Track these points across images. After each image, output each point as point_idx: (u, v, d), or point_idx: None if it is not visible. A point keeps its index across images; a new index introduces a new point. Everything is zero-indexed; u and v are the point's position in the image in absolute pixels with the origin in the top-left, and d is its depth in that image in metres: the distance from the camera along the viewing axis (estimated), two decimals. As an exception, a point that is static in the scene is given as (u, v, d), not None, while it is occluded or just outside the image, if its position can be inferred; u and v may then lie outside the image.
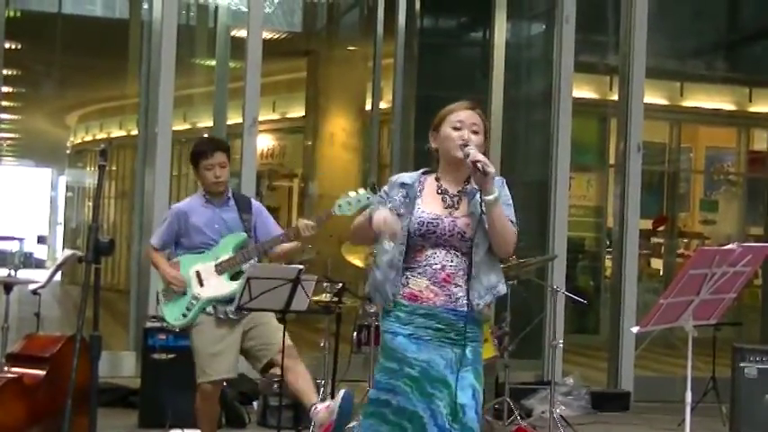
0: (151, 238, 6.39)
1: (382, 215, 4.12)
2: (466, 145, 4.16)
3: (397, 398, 4.09)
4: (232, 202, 6.22)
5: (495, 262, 4.21)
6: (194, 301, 6.04)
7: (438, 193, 4.24)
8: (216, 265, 6.05)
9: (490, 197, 4.07)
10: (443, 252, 4.15)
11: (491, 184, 4.06)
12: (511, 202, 4.24)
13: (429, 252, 4.15)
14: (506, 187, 4.25)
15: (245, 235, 6.12)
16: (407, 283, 4.17)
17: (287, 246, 6.17)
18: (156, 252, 6.23)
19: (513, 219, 4.21)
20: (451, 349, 4.12)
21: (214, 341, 6.01)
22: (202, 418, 6.14)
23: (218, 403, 6.33)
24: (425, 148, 4.37)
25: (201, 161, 6.11)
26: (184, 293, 6.07)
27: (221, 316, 6.03)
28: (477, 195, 4.13)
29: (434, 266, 4.14)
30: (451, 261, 4.15)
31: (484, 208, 4.10)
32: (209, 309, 6.04)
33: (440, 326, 4.12)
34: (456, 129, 4.19)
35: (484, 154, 4.15)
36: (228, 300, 5.98)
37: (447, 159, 4.25)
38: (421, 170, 4.35)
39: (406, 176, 4.31)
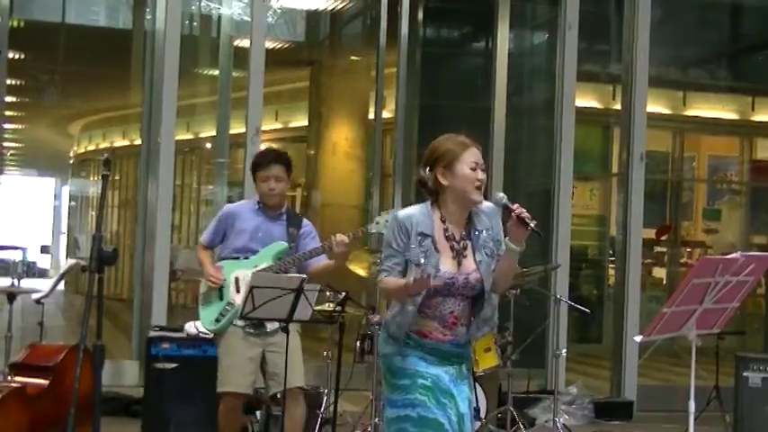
0: (202, 235, 6.48)
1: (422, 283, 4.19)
2: (479, 187, 4.29)
3: (417, 409, 4.25)
4: (284, 217, 6.26)
5: (493, 297, 4.43)
6: (228, 307, 6.09)
7: (446, 240, 4.32)
8: (253, 274, 5.99)
9: (519, 248, 4.25)
10: (452, 300, 4.34)
11: (525, 237, 4.22)
12: (503, 236, 4.37)
13: (439, 299, 4.33)
14: (499, 219, 4.40)
15: (285, 245, 6.14)
16: (416, 322, 4.34)
17: (323, 264, 6.15)
18: (203, 249, 6.34)
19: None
20: (451, 366, 4.36)
21: (236, 353, 6.03)
22: (223, 429, 6.13)
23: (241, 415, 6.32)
24: (420, 179, 4.37)
25: (258, 172, 6.21)
26: (221, 298, 6.11)
27: (249, 330, 6.04)
28: (484, 236, 4.33)
29: (444, 313, 4.33)
30: (459, 306, 4.34)
31: (502, 251, 4.31)
32: (239, 321, 6.03)
33: (443, 353, 4.36)
34: (473, 169, 4.28)
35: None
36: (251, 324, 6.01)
37: (460, 199, 4.32)
38: (426, 206, 4.37)
39: (422, 223, 4.31)
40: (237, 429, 6.30)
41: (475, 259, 4.32)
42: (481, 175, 4.28)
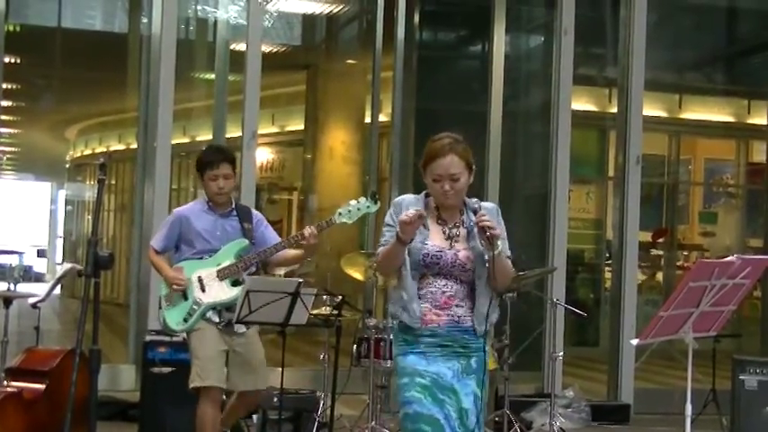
0: (152, 241, 6.43)
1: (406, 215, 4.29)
2: (444, 194, 4.41)
3: (413, 406, 4.36)
4: (235, 212, 6.28)
5: (490, 293, 4.47)
6: (196, 307, 6.10)
7: (438, 224, 4.49)
8: (218, 271, 6.12)
9: (495, 252, 4.34)
10: (443, 280, 4.44)
11: (496, 241, 4.32)
12: (505, 234, 4.49)
13: (430, 279, 4.44)
14: (501, 217, 4.53)
15: (246, 242, 6.19)
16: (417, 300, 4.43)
17: (289, 253, 6.23)
18: (156, 255, 6.31)
19: (509, 252, 4.52)
20: (458, 360, 4.43)
21: (212, 347, 6.06)
22: (204, 426, 6.08)
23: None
24: (419, 166, 4.55)
25: (207, 171, 6.17)
26: (185, 298, 6.12)
27: (221, 328, 6.09)
28: (475, 230, 4.40)
29: (434, 292, 4.43)
30: (450, 287, 4.44)
31: (487, 260, 4.37)
32: (210, 314, 6.11)
33: (445, 343, 4.42)
34: (436, 180, 4.41)
35: (471, 185, 4.46)
36: (229, 306, 6.06)
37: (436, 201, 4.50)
38: (423, 193, 4.54)
39: (413, 203, 4.48)
40: (217, 426, 6.25)
41: (468, 243, 4.44)
42: (447, 186, 4.39)
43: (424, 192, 4.55)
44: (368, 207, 5.95)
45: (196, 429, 6.08)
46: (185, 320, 6.11)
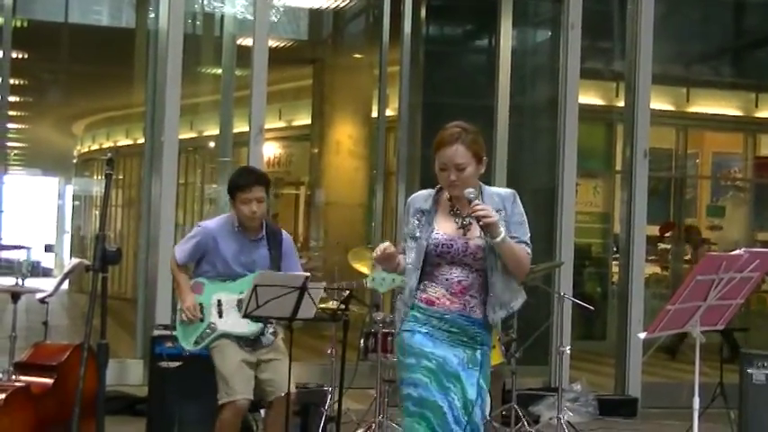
0: (176, 250, 6.22)
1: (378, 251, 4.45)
2: (452, 184, 4.43)
3: (418, 389, 4.37)
4: (264, 238, 6.08)
5: (510, 281, 4.50)
6: (209, 331, 6.00)
7: (451, 214, 4.51)
8: (239, 300, 5.94)
9: (497, 240, 4.33)
10: (458, 269, 4.45)
11: (494, 229, 4.31)
12: (524, 219, 4.50)
13: (446, 268, 4.46)
14: (519, 203, 4.52)
15: None
16: (425, 290, 4.49)
17: None
18: (179, 268, 6.12)
19: (526, 238, 4.49)
20: (463, 350, 4.44)
21: (235, 360, 5.96)
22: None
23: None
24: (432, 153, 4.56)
25: (239, 194, 5.94)
26: (201, 319, 6.01)
27: (246, 348, 6.01)
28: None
29: (450, 280, 4.45)
30: (466, 276, 4.45)
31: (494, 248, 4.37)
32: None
33: (453, 329, 4.44)
34: (442, 169, 4.43)
35: (482, 176, 4.48)
36: (242, 337, 5.97)
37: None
38: (436, 188, 4.56)
39: (422, 200, 4.55)
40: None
41: (481, 232, 4.41)
42: (453, 175, 4.40)
43: (437, 186, 4.54)
44: (403, 281, 5.86)
45: None
46: (197, 343, 6.01)
